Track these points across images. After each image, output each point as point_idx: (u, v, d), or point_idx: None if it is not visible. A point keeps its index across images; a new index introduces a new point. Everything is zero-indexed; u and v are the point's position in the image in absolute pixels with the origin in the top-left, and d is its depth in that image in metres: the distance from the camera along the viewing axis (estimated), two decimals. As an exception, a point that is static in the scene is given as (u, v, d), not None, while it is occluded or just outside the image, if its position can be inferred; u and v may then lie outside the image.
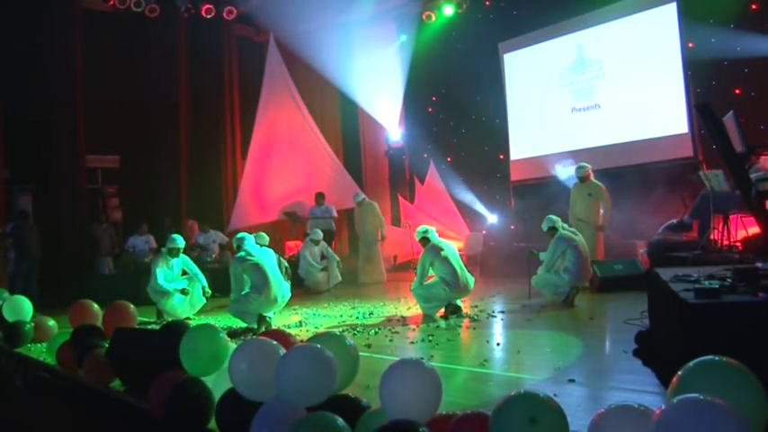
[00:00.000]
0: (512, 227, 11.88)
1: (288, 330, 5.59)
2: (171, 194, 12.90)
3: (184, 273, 8.17)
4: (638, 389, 3.57)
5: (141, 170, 12.69)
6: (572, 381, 3.86)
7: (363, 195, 11.61)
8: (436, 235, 7.18)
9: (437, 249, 6.94)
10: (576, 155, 10.74)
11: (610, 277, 7.92)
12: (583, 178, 8.74)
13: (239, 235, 6.94)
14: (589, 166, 8.89)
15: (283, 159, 12.83)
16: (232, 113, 13.71)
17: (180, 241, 8.09)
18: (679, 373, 2.05)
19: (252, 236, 7.05)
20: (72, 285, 9.44)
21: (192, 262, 8.33)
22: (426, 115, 14.44)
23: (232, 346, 3.49)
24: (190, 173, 13.08)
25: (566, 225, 7.58)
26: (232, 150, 13.70)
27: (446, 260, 6.85)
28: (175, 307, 7.92)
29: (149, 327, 6.71)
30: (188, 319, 7.81)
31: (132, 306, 5.37)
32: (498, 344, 5.28)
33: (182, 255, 8.14)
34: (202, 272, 8.25)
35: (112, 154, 12.72)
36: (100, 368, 4.47)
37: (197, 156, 13.17)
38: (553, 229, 7.42)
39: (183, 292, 7.90)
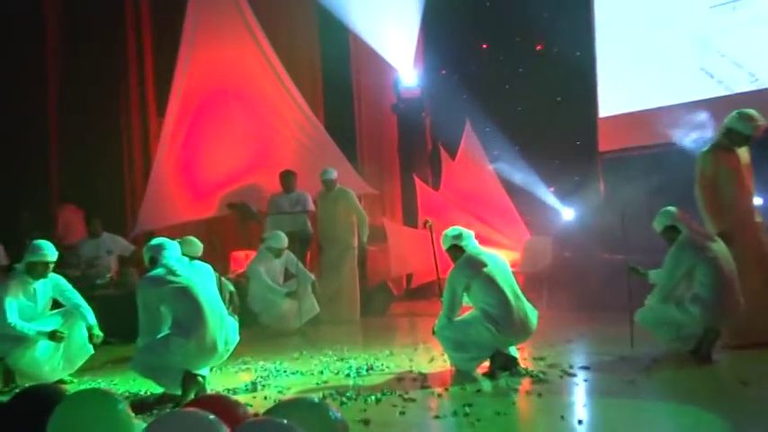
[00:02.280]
0: (600, 226, 10.34)
1: (234, 397, 5.24)
2: (33, 174, 11.44)
3: (57, 304, 7.46)
4: None
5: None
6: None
7: (335, 174, 10.18)
8: (475, 241, 6.70)
9: (476, 265, 6.41)
10: (710, 105, 9.66)
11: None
12: (751, 138, 7.70)
13: (154, 241, 6.37)
14: None
15: (226, 120, 11.19)
16: (140, 50, 11.92)
17: (48, 251, 6.96)
18: None
19: (175, 242, 6.39)
20: None
21: (70, 285, 7.36)
22: (459, 46, 13.00)
23: (139, 425, 3.43)
24: (64, 141, 11.86)
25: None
26: (140, 107, 12.19)
27: (491, 282, 6.33)
28: (39, 362, 7.00)
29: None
30: (62, 382, 6.99)
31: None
32: (580, 422, 4.80)
33: (52, 273, 7.25)
34: (89, 302, 7.39)
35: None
36: None
37: (78, 114, 11.73)
38: (673, 230, 6.55)
39: (54, 336, 6.92)
